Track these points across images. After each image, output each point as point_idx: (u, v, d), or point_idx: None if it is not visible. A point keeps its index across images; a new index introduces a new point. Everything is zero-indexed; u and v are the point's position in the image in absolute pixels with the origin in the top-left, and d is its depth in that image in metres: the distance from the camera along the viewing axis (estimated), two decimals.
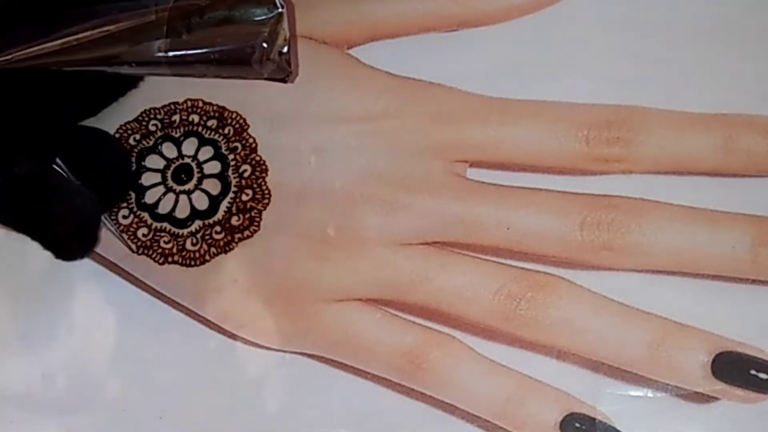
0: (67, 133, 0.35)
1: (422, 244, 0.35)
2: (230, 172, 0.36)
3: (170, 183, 0.37)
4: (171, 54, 0.33)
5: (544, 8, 0.39)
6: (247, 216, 0.36)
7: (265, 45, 0.33)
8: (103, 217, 0.35)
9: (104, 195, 0.35)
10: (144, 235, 0.36)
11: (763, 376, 0.32)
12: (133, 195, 0.37)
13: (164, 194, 0.37)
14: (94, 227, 0.34)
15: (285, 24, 0.33)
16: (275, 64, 0.33)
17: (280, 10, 0.33)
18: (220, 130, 0.37)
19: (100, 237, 0.35)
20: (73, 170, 0.34)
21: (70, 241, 0.34)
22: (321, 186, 0.36)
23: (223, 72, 0.34)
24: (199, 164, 0.37)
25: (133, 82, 0.36)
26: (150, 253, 0.36)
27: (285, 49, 0.33)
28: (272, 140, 0.37)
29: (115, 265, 0.36)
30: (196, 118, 0.37)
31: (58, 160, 0.34)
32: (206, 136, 0.37)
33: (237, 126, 0.37)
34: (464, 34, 0.39)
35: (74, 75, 0.33)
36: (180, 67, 0.33)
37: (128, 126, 0.38)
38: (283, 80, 0.34)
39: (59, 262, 0.37)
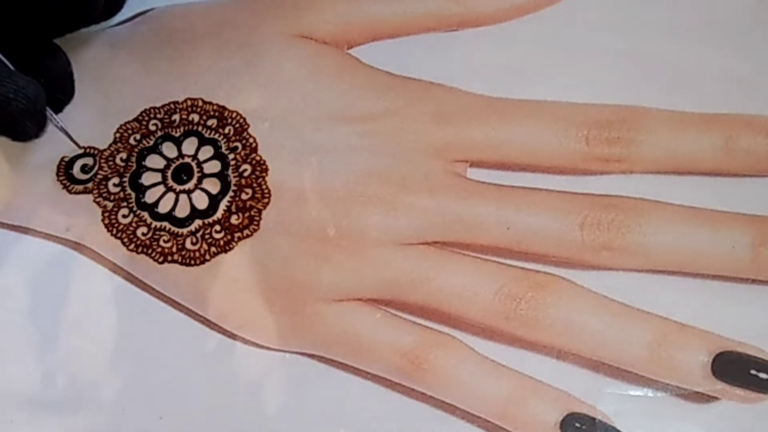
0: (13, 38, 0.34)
1: (422, 244, 0.35)
2: (230, 171, 0.36)
3: (170, 182, 0.37)
4: None
5: (544, 8, 0.39)
6: (247, 215, 0.36)
7: None
8: (52, 114, 0.35)
9: (50, 97, 0.35)
10: (143, 234, 0.36)
11: (763, 376, 0.32)
12: (133, 194, 0.37)
13: (164, 194, 0.37)
14: (42, 105, 0.34)
15: None
16: None
17: None
18: (221, 130, 0.37)
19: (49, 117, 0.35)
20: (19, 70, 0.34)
21: (22, 120, 0.34)
22: (321, 186, 0.36)
23: None
24: (199, 164, 0.37)
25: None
26: (149, 252, 0.36)
27: None
28: (272, 140, 0.37)
29: (115, 264, 0.36)
30: (196, 117, 0.37)
31: None
32: (206, 135, 0.37)
33: (237, 126, 0.37)
34: (464, 34, 0.39)
35: None
36: None
37: (128, 125, 0.38)
38: None
39: (58, 261, 0.37)
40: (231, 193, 0.36)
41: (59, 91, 0.36)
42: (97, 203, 0.37)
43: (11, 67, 0.33)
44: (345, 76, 0.37)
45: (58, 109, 0.37)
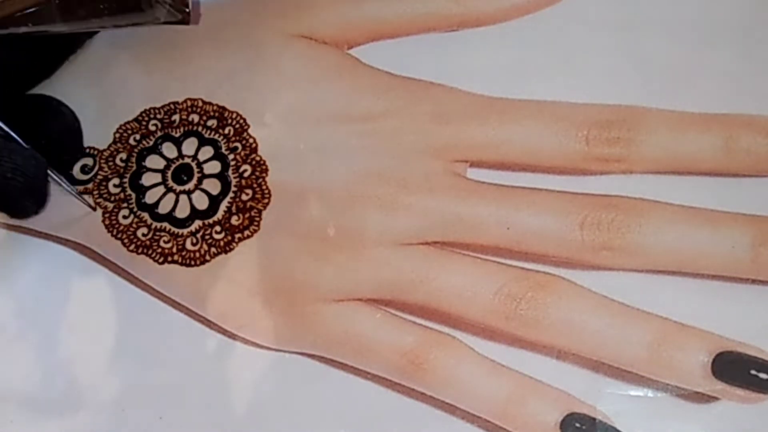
0: (11, 99, 0.34)
1: (422, 244, 0.35)
2: (230, 171, 0.36)
3: (170, 183, 0.37)
4: (63, 10, 0.32)
5: (544, 8, 0.39)
6: (247, 216, 0.36)
7: None
8: (59, 178, 0.35)
9: (56, 159, 0.35)
10: (144, 235, 0.36)
11: (763, 376, 0.32)
12: (133, 195, 0.37)
13: (164, 194, 0.37)
14: (42, 183, 0.34)
15: None
16: (167, 5, 0.32)
17: None
18: (220, 130, 0.37)
19: (50, 193, 0.35)
20: (22, 136, 0.34)
21: (20, 198, 0.33)
22: (321, 186, 0.36)
23: (119, 21, 0.34)
24: (199, 164, 0.37)
25: (74, 43, 0.36)
26: (150, 252, 0.36)
27: None
28: (272, 140, 0.37)
29: (115, 264, 0.36)
30: (196, 117, 0.37)
31: None
32: (206, 135, 0.37)
33: (237, 126, 0.37)
34: (464, 34, 0.39)
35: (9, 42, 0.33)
36: (75, 23, 0.32)
37: (128, 126, 0.38)
38: (182, 22, 0.33)
39: (59, 261, 0.37)
40: (231, 194, 0.36)
41: (65, 151, 0.36)
42: (98, 204, 0.37)
43: (16, 137, 0.33)
44: (345, 76, 0.37)
45: (68, 168, 0.36)
